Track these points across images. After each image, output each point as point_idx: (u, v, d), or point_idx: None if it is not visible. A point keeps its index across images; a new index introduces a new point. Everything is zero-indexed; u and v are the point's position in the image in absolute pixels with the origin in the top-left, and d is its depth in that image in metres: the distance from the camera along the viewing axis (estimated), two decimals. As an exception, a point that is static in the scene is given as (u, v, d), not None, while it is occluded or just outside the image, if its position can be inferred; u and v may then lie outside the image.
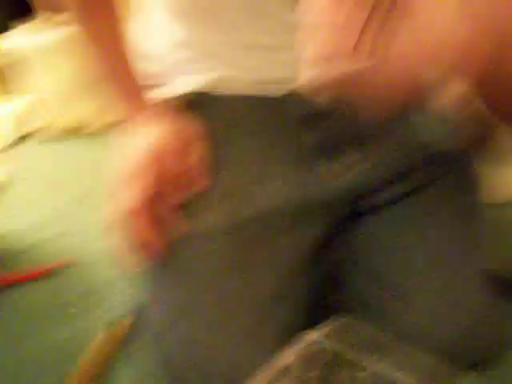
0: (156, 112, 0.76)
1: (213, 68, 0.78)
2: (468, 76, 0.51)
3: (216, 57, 0.78)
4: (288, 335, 0.59)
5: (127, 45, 0.78)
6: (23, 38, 1.73)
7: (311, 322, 0.63)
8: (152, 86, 0.79)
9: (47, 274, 1.00)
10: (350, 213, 0.78)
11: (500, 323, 0.76)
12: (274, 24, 0.73)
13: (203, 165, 0.72)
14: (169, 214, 0.70)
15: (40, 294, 0.96)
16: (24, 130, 1.71)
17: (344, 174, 0.75)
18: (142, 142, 0.72)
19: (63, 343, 0.85)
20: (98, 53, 0.77)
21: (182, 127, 0.74)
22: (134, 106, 0.77)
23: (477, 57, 0.49)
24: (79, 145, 1.61)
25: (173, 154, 0.71)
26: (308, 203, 0.75)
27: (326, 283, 0.79)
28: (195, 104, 0.78)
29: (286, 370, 0.53)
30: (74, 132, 1.67)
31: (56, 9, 1.72)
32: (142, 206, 0.69)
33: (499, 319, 0.75)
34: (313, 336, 0.54)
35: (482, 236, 0.80)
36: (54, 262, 1.02)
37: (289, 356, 0.54)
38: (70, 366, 0.78)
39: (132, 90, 0.77)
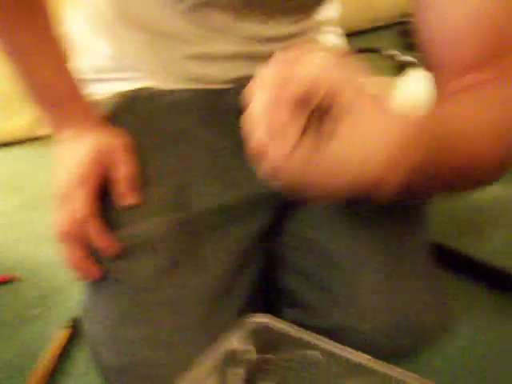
0: (84, 125, 0.76)
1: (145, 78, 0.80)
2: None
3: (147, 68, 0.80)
4: None
5: (55, 54, 0.76)
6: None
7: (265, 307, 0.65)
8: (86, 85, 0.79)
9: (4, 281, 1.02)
10: (286, 205, 0.80)
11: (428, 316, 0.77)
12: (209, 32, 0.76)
13: (130, 179, 0.73)
14: (100, 234, 0.71)
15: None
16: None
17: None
18: (70, 161, 0.73)
19: (25, 345, 0.87)
20: (20, 66, 0.75)
21: (108, 142, 0.74)
22: (61, 119, 0.77)
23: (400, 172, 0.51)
24: (29, 150, 1.61)
25: (99, 174, 0.72)
26: (245, 199, 0.76)
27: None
28: (127, 103, 0.80)
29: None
30: (24, 137, 1.66)
31: None
32: (71, 232, 0.71)
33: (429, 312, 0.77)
34: (229, 340, 0.56)
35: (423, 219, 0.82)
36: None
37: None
38: (33, 366, 0.81)
39: (60, 101, 0.76)
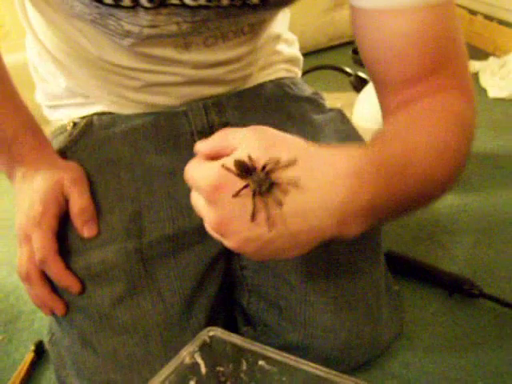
0: (34, 162, 0.75)
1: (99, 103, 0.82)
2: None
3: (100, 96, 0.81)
4: None
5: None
6: None
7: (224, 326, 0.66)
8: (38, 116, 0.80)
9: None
10: None
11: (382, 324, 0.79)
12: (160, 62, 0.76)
13: (84, 212, 0.73)
14: (59, 273, 0.71)
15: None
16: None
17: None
18: (24, 202, 0.73)
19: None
20: None
21: (60, 177, 0.74)
22: (11, 159, 0.76)
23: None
24: None
25: (54, 212, 0.72)
26: (200, 224, 0.75)
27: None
28: (81, 132, 0.80)
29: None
30: None
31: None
32: (31, 273, 0.72)
33: (382, 320, 0.79)
34: (183, 353, 0.57)
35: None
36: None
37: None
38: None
39: (7, 142, 0.75)
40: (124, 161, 0.78)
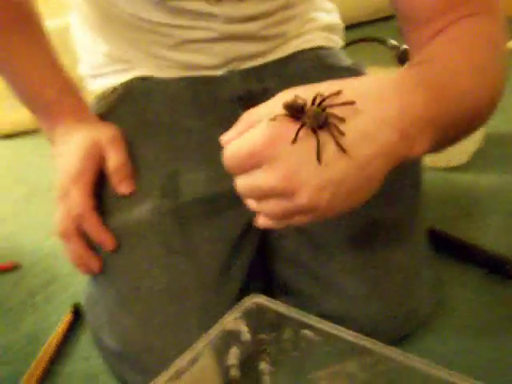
0: (73, 122, 0.76)
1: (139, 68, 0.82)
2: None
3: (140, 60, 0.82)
4: None
5: (43, 56, 0.76)
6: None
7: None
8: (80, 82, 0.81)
9: (8, 269, 1.04)
10: None
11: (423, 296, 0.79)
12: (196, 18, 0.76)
13: (122, 169, 0.74)
14: (96, 229, 0.72)
15: (3, 286, 1.00)
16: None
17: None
18: (63, 160, 0.75)
19: (29, 330, 0.89)
20: (7, 68, 0.76)
21: (98, 135, 0.75)
22: (51, 119, 0.77)
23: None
24: (33, 141, 1.61)
25: (92, 169, 0.73)
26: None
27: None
28: (121, 97, 0.81)
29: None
30: (29, 128, 1.67)
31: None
32: (68, 229, 0.72)
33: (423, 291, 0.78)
34: (225, 321, 0.57)
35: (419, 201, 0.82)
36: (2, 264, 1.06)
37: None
38: (37, 351, 0.82)
39: (48, 103, 0.77)
40: (163, 124, 0.78)
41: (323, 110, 0.45)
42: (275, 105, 0.50)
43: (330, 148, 0.47)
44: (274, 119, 0.46)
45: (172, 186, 0.74)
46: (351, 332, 0.55)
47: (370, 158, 0.49)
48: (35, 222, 1.20)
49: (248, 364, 0.61)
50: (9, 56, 0.75)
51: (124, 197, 0.74)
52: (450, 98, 0.55)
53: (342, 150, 0.45)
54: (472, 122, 0.62)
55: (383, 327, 0.75)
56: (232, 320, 0.57)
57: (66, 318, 0.88)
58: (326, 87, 0.49)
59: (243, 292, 0.73)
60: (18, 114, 1.66)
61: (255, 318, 0.59)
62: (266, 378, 0.64)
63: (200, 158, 0.76)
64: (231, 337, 0.58)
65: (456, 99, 0.56)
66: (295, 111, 0.46)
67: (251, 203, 0.55)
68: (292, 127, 0.47)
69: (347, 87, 0.49)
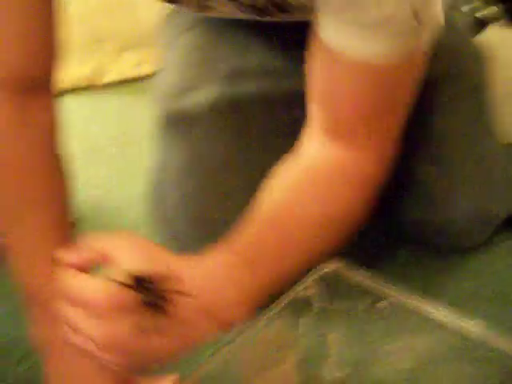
0: None
1: None
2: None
3: None
4: None
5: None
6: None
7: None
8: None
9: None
10: None
11: None
12: None
13: None
14: None
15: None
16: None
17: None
18: None
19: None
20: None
21: None
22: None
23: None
24: (92, 97, 1.61)
25: None
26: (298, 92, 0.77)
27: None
28: None
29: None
30: (88, 84, 1.67)
31: None
32: None
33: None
34: (299, 286, 0.54)
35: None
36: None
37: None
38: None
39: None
40: (226, 25, 0.86)
41: (158, 289, 0.48)
42: (119, 265, 0.49)
43: (153, 324, 0.48)
44: (117, 283, 0.47)
45: (234, 80, 0.81)
46: (435, 308, 0.52)
47: (188, 338, 0.52)
48: (95, 178, 1.19)
49: (318, 333, 0.59)
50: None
51: (189, 83, 0.82)
52: (282, 266, 0.57)
53: (157, 329, 0.48)
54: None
55: (468, 229, 0.79)
56: (306, 286, 0.55)
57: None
58: (163, 265, 0.50)
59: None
60: (78, 70, 1.66)
61: (328, 285, 0.57)
62: (335, 349, 0.61)
63: (260, 56, 0.84)
64: (303, 304, 0.55)
65: (289, 263, 0.57)
66: (137, 283, 0.48)
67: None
68: (130, 297, 0.47)
69: (183, 271, 0.51)
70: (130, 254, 0.50)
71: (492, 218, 0.82)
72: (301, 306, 0.56)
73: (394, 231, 0.87)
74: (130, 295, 0.47)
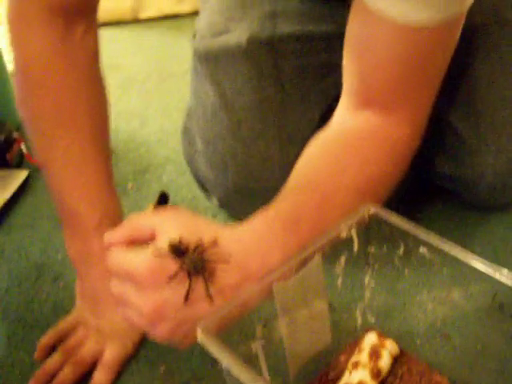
0: None
1: None
2: None
3: None
4: None
5: (91, 177, 0.65)
6: None
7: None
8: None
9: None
10: None
11: None
12: None
13: None
14: None
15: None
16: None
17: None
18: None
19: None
20: (52, 180, 0.66)
21: None
22: (82, 254, 0.66)
23: None
24: (129, 32, 1.60)
25: None
26: (332, 34, 0.80)
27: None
28: None
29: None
30: (126, 19, 1.65)
31: None
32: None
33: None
34: (341, 226, 0.53)
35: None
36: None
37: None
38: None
39: (84, 234, 0.65)
40: None
41: (201, 257, 0.49)
42: (161, 237, 0.50)
43: (198, 291, 0.48)
44: (157, 255, 0.48)
45: (270, 21, 0.81)
46: (478, 257, 0.50)
47: None
48: (130, 111, 1.18)
49: (353, 276, 0.58)
50: (53, 168, 0.65)
51: (225, 24, 0.83)
52: (316, 230, 0.54)
53: (210, 297, 0.48)
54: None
55: (497, 188, 0.77)
56: (346, 227, 0.53)
57: (152, 205, 0.87)
58: (204, 234, 0.50)
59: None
60: (116, 3, 1.64)
61: (369, 228, 0.55)
62: (369, 293, 0.61)
63: (301, 6, 0.83)
64: (342, 245, 0.54)
65: (324, 226, 0.55)
66: (177, 252, 0.48)
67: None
68: (171, 266, 0.48)
69: (222, 238, 0.50)
70: (175, 225, 0.50)
71: None
72: (340, 247, 0.55)
73: (429, 184, 0.86)
74: (176, 265, 0.48)
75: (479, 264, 0.50)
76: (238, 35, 0.81)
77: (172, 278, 0.47)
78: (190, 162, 0.87)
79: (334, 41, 0.74)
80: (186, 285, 0.48)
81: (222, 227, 0.52)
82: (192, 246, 0.49)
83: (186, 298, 0.48)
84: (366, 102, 0.63)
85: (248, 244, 0.51)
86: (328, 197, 0.56)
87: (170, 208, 0.53)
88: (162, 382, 0.65)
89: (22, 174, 0.95)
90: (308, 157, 0.63)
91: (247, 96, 0.79)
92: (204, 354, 0.67)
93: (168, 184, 0.94)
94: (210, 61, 0.83)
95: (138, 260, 0.49)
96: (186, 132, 0.88)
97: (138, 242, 0.52)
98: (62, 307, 0.74)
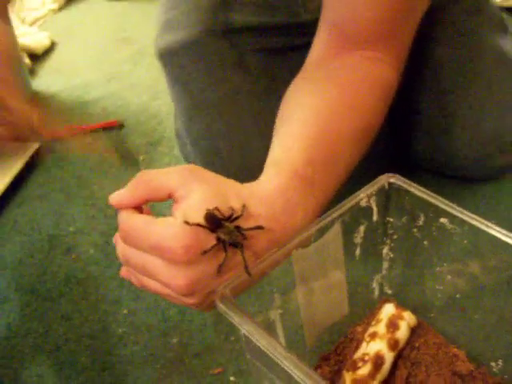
0: None
1: None
2: None
3: None
4: None
5: None
6: None
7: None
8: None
9: (114, 126, 1.03)
10: None
11: None
12: None
13: None
14: None
15: (110, 141, 1.00)
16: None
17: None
18: None
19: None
20: None
21: None
22: None
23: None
24: (137, 4, 1.58)
25: None
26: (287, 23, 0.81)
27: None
28: None
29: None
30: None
31: None
32: None
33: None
34: (361, 195, 0.52)
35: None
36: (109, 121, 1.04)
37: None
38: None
39: None
40: None
41: (238, 227, 0.46)
42: (186, 202, 0.46)
43: (231, 261, 0.46)
44: (188, 224, 0.45)
45: (223, 13, 0.79)
46: (500, 229, 0.49)
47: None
48: (141, 84, 1.17)
49: (371, 246, 0.58)
50: None
51: (177, 20, 0.81)
52: (334, 179, 0.55)
53: (249, 274, 0.46)
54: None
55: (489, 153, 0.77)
56: (366, 196, 0.52)
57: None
58: (232, 199, 0.48)
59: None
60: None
61: (388, 198, 0.54)
62: (387, 264, 0.60)
63: None
64: (362, 214, 0.53)
65: (340, 176, 0.56)
66: (212, 223, 0.45)
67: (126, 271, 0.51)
68: (205, 239, 0.45)
69: (251, 201, 0.49)
70: (198, 187, 0.47)
71: (505, 146, 0.78)
72: (359, 216, 0.54)
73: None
74: (207, 236, 0.45)
75: (500, 234, 0.49)
76: (193, 29, 0.80)
77: (207, 251, 0.45)
78: (187, 162, 0.87)
79: (293, 29, 0.79)
80: (221, 258, 0.45)
81: (243, 187, 0.50)
82: (226, 215, 0.46)
83: (220, 269, 0.46)
84: (354, 42, 0.62)
85: (275, 205, 0.50)
86: (333, 148, 0.56)
87: (186, 168, 0.49)
88: (174, 353, 0.64)
89: (33, 146, 0.95)
90: (302, 106, 0.60)
91: (214, 92, 0.78)
92: (216, 326, 0.67)
93: (179, 157, 0.93)
94: (172, 60, 0.82)
95: (169, 235, 0.45)
96: (177, 134, 0.88)
97: (152, 201, 0.49)
98: (74, 278, 0.74)
